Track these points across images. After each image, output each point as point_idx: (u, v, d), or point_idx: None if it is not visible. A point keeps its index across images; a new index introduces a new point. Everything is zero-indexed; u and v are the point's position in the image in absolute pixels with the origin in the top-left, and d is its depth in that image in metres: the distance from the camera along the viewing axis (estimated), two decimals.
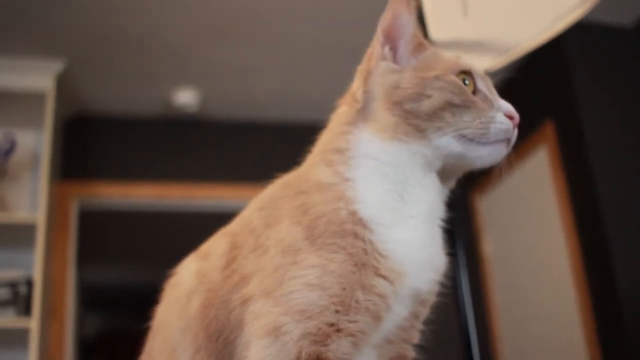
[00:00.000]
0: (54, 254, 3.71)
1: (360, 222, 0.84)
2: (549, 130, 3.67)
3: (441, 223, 0.94)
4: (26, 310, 3.28)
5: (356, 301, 0.81)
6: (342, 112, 0.98)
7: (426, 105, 0.90)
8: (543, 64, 3.69)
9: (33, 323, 3.14)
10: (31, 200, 3.67)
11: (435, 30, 1.68)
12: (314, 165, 0.93)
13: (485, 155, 0.95)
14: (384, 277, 0.83)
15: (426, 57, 0.96)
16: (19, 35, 3.47)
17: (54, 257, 3.71)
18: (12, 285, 3.33)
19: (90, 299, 6.21)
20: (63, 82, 3.73)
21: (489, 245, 4.24)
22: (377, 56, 0.96)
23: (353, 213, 0.85)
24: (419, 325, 0.92)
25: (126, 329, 6.79)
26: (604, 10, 3.30)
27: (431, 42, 1.61)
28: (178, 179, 4.12)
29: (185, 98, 4.08)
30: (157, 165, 4.15)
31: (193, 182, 4.12)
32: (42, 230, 3.30)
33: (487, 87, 0.96)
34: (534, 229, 3.84)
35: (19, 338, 3.25)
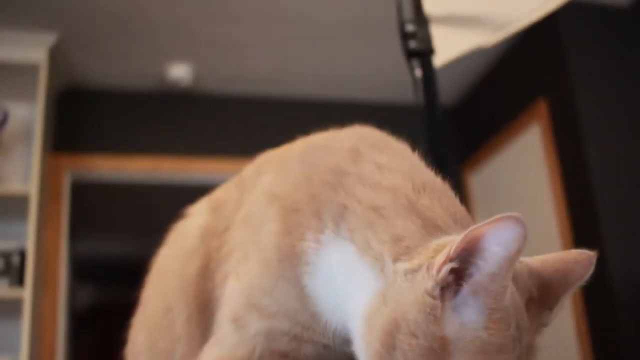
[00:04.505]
0: (47, 225, 3.71)
1: None
2: (542, 108, 3.68)
3: None
4: (19, 281, 3.30)
5: None
6: None
7: None
8: (538, 42, 3.69)
9: (26, 293, 3.16)
10: (24, 172, 3.66)
11: (431, 4, 1.68)
12: None
13: None
14: None
15: None
16: (11, 7, 3.45)
17: (47, 229, 3.71)
18: (5, 256, 3.36)
19: (83, 271, 6.23)
20: (56, 55, 3.71)
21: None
22: None
23: None
24: None
25: (118, 300, 6.82)
26: None
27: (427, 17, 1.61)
28: (171, 153, 4.12)
29: (179, 72, 4.06)
30: (150, 139, 4.15)
31: (186, 156, 4.13)
32: (34, 201, 3.30)
33: None
34: (525, 206, 3.86)
35: (12, 308, 3.28)
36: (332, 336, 0.75)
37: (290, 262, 0.75)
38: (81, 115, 4.13)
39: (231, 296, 0.79)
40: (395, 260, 0.68)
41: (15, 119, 3.65)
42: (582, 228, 3.36)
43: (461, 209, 0.76)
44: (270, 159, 0.89)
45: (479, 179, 4.30)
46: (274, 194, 0.79)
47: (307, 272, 0.74)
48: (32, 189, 3.33)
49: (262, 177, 0.84)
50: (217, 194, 0.93)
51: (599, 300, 3.20)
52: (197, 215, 0.92)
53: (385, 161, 0.78)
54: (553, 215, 3.54)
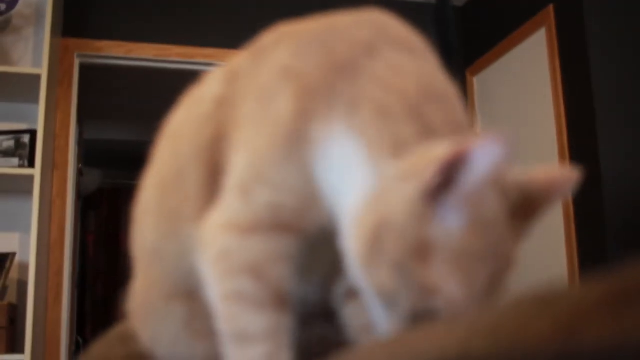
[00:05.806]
0: (57, 107, 3.78)
1: None
2: (550, 14, 3.65)
3: None
4: (30, 161, 3.42)
5: None
6: None
7: None
8: None
9: (36, 173, 3.28)
10: (34, 55, 3.70)
11: None
12: None
13: None
14: None
15: None
16: None
17: (57, 111, 3.78)
18: (17, 136, 3.45)
19: (91, 154, 6.31)
20: None
21: (479, 125, 4.30)
22: None
23: None
24: None
25: (124, 183, 6.96)
26: None
27: None
28: (179, 42, 4.12)
29: None
30: (159, 28, 4.13)
31: (195, 47, 4.12)
32: (44, 83, 3.34)
33: None
34: (526, 111, 3.90)
35: (22, 187, 3.42)
36: (330, 220, 0.78)
37: (300, 144, 0.77)
38: (91, 1, 4.10)
39: (239, 166, 0.80)
40: (391, 162, 0.71)
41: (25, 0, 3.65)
42: (579, 129, 3.42)
43: (464, 118, 0.77)
44: (288, 33, 0.87)
45: (482, 82, 4.31)
46: (289, 71, 0.80)
47: (314, 157, 0.76)
48: (42, 70, 3.36)
49: (278, 50, 0.84)
50: (233, 63, 0.92)
51: (589, 204, 3.28)
52: (212, 83, 0.92)
53: (400, 61, 0.78)
54: (552, 120, 3.59)
